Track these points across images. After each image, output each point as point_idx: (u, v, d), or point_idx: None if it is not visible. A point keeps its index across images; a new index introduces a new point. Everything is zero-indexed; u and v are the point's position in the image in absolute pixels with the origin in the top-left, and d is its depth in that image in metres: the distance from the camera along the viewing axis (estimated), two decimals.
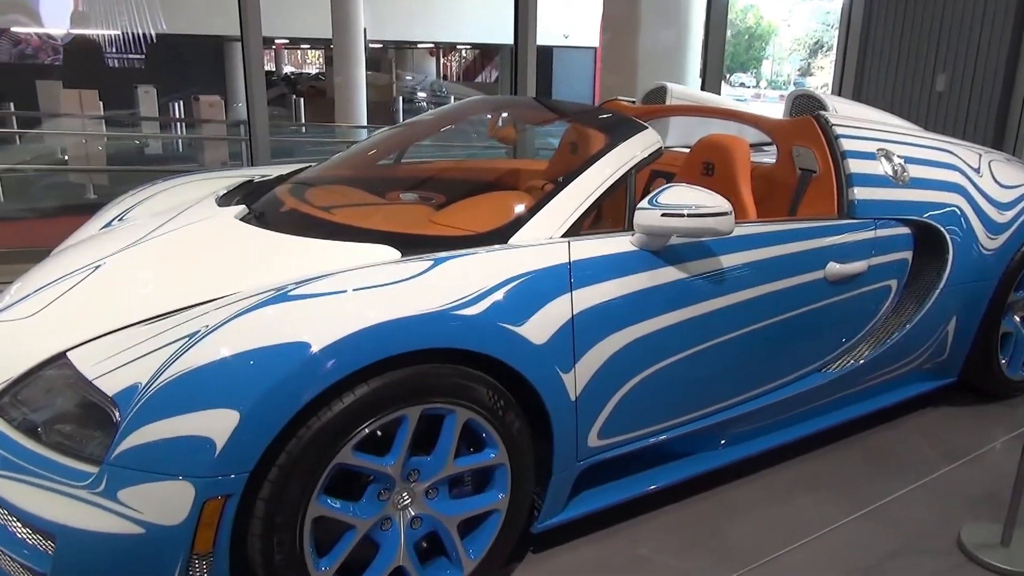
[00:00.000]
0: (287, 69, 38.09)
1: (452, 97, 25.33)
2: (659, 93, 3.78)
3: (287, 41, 30.79)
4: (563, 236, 2.13)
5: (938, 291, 2.89)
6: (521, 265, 1.97)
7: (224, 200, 2.63)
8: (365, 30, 16.78)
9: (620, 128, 2.44)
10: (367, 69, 30.62)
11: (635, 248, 2.16)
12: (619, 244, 2.16)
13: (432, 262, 1.90)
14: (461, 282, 1.87)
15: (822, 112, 2.88)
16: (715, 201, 2.10)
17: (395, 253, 2.01)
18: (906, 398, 3.06)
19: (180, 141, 14.34)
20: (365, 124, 16.31)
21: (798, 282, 2.47)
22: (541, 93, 3.88)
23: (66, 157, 10.33)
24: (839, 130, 2.80)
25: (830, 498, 2.57)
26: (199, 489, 1.57)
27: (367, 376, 1.71)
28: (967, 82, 5.83)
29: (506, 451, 1.95)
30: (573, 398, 2.04)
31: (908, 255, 2.86)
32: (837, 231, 2.61)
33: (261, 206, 2.52)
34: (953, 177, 3.03)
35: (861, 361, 2.80)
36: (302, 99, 21.43)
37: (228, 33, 22.28)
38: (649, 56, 7.96)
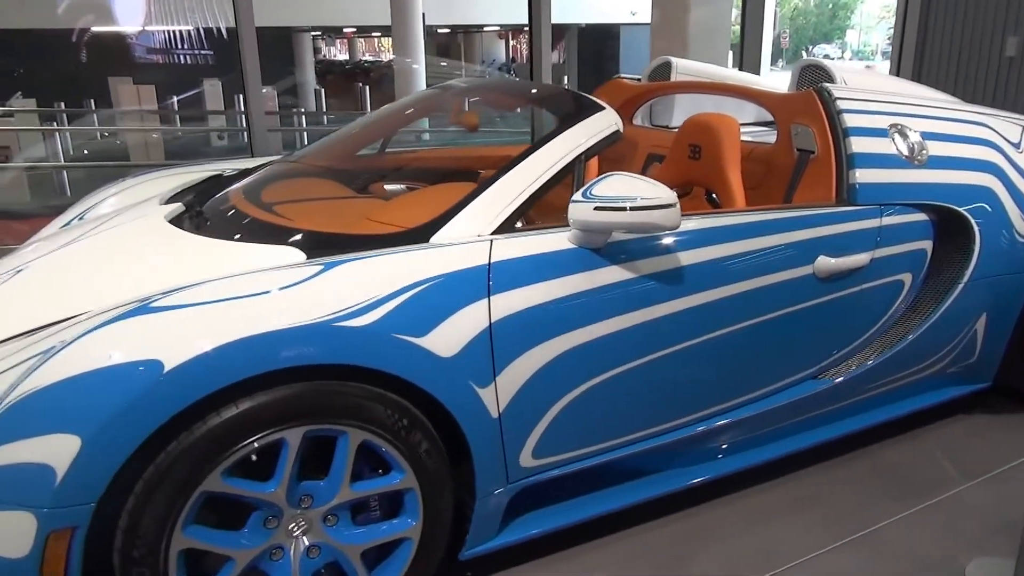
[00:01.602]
0: (364, 57, 38.54)
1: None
2: (664, 68, 3.48)
3: (355, 30, 31.07)
4: (494, 233, 1.92)
5: (961, 285, 2.53)
6: (428, 268, 1.77)
7: (176, 198, 2.52)
8: (424, 15, 16.67)
9: (570, 111, 2.20)
10: (436, 55, 30.69)
11: (572, 246, 1.93)
12: (554, 242, 1.93)
13: (322, 267, 1.72)
14: (351, 289, 1.68)
15: (826, 85, 2.55)
16: (657, 192, 1.84)
17: (299, 255, 1.84)
18: (928, 406, 2.71)
19: (242, 133, 14.61)
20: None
21: (777, 280, 2.18)
22: (608, 71, 3.63)
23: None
24: (843, 104, 2.47)
25: (819, 521, 2.28)
26: (41, 520, 1.45)
27: (238, 396, 1.55)
28: None
29: (414, 474, 1.77)
30: (495, 415, 1.83)
31: (926, 245, 2.51)
32: (829, 220, 2.30)
33: (204, 204, 2.39)
34: (985, 154, 2.65)
35: (869, 366, 2.47)
36: (367, 87, 21.60)
37: (296, 24, 22.72)
38: (700, 31, 7.61)
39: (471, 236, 1.90)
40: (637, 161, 3.25)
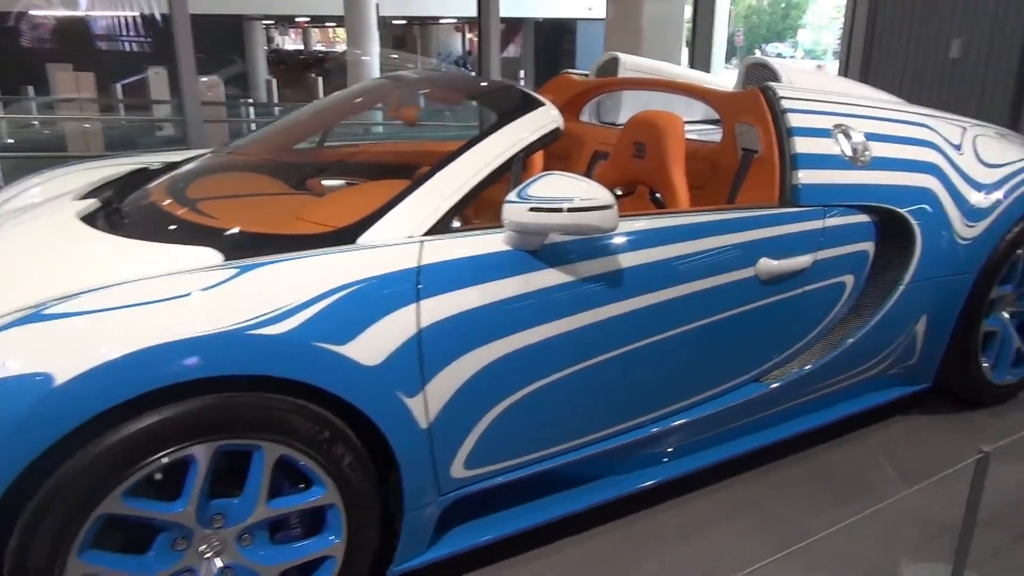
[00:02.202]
0: (318, 47, 37.88)
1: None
2: (612, 64, 3.42)
3: (308, 19, 30.53)
4: (426, 234, 1.83)
5: (902, 287, 2.52)
6: (351, 272, 1.67)
7: (93, 193, 2.37)
8: (377, 6, 16.43)
9: (510, 107, 2.12)
10: (392, 47, 30.29)
11: (507, 248, 1.85)
12: (488, 244, 1.84)
13: (237, 270, 1.61)
14: (267, 294, 1.58)
15: (771, 84, 2.51)
16: (594, 193, 1.77)
17: (216, 257, 1.73)
18: (869, 407, 2.71)
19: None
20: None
21: (719, 283, 2.13)
22: (564, 66, 3.56)
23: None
24: (787, 103, 2.43)
25: (761, 527, 2.25)
26: None
27: (140, 410, 1.44)
28: (983, 48, 5.32)
29: (337, 489, 1.67)
30: (425, 425, 1.75)
31: (868, 247, 2.49)
32: (771, 222, 2.26)
33: (122, 200, 2.25)
34: (926, 155, 2.64)
35: (810, 368, 2.45)
36: (321, 78, 21.22)
37: (247, 12, 22.21)
38: (654, 27, 7.61)
39: (401, 237, 1.80)
40: (583, 158, 3.19)
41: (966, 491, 1.95)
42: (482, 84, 2.56)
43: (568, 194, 1.75)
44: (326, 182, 2.66)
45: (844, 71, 6.18)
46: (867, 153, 2.50)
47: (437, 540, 1.92)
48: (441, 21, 31.29)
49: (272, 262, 1.65)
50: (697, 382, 2.24)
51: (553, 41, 27.28)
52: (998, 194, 2.69)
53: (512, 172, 1.98)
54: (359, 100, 2.84)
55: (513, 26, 32.07)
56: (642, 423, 2.17)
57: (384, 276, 1.68)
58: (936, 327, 2.67)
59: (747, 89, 2.59)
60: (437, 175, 1.91)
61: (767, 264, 2.21)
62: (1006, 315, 2.89)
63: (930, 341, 2.69)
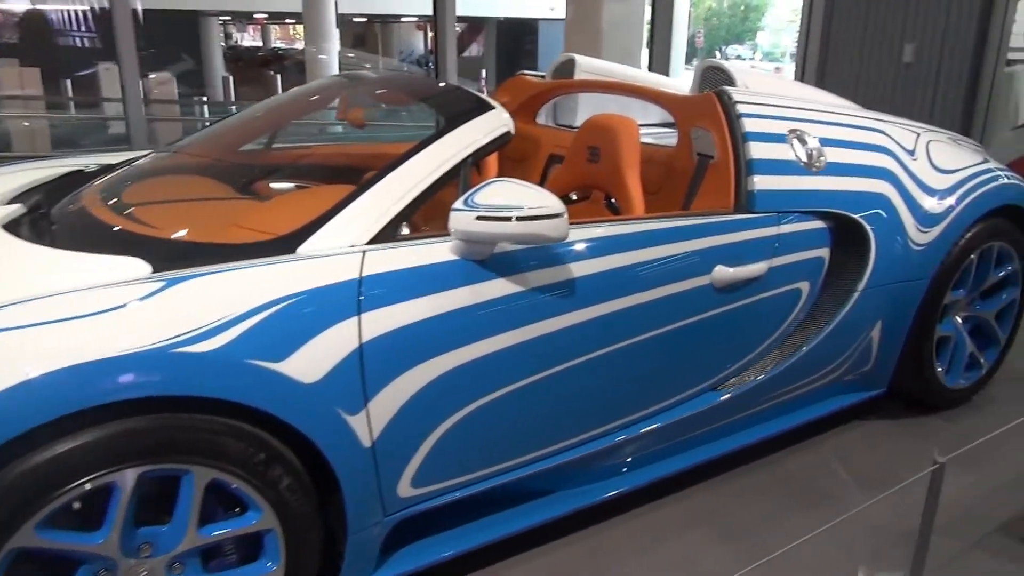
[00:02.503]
0: (277, 44, 37.29)
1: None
2: (568, 66, 3.37)
3: (266, 16, 30.06)
4: (370, 243, 1.75)
5: (858, 293, 2.51)
6: (288, 284, 1.59)
7: (21, 198, 2.24)
8: (336, 3, 16.21)
9: (459, 110, 2.05)
10: (352, 45, 29.95)
11: (454, 257, 1.78)
12: (435, 253, 1.77)
13: (164, 283, 1.52)
14: (197, 309, 1.49)
15: (726, 88, 2.48)
16: (544, 200, 1.71)
17: (144, 268, 1.62)
18: (826, 414, 2.69)
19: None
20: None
21: (674, 291, 2.09)
22: (525, 65, 3.48)
23: None
24: (743, 108, 2.40)
25: (719, 538, 2.21)
26: None
27: (53, 436, 1.34)
28: (936, 53, 5.39)
29: (274, 513, 1.58)
30: (368, 444, 1.67)
31: (824, 253, 2.47)
32: (727, 228, 2.22)
33: (51, 206, 2.13)
34: (880, 161, 2.64)
35: (767, 376, 2.42)
36: (280, 75, 20.88)
37: (203, 8, 21.79)
38: (613, 27, 7.61)
39: (343, 246, 1.72)
40: (539, 161, 3.13)
41: (922, 500, 1.94)
42: (431, 86, 2.48)
43: (516, 202, 1.69)
44: (273, 186, 2.56)
45: (800, 75, 6.22)
46: (822, 159, 2.48)
47: (384, 561, 1.84)
48: (403, 20, 31.06)
49: (203, 274, 1.55)
50: (653, 392, 2.19)
51: (515, 41, 27.25)
52: (951, 199, 2.69)
53: (462, 177, 1.91)
54: (306, 101, 2.75)
55: (475, 25, 31.98)
56: (598, 435, 2.11)
57: (323, 288, 1.60)
58: (891, 333, 2.67)
59: (702, 93, 2.56)
60: (382, 181, 1.84)
61: (723, 272, 2.17)
62: (959, 320, 2.90)
63: (885, 347, 2.69)
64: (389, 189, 1.82)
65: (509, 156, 3.26)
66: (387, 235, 1.78)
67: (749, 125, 2.37)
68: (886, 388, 2.82)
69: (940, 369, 2.85)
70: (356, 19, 28.67)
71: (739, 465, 2.56)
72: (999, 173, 2.87)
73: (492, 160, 3.07)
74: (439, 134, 1.95)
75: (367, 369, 1.63)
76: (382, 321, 1.64)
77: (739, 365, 2.38)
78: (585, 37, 7.61)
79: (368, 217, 1.78)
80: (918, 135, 2.86)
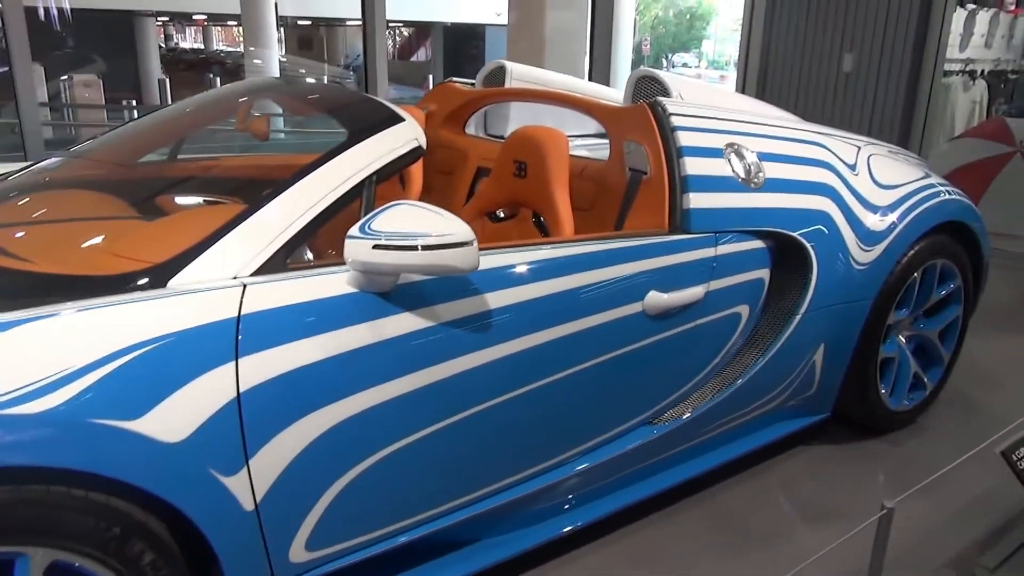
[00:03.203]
0: (219, 46, 36.36)
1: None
2: (498, 73, 3.20)
3: (205, 17, 29.31)
4: (256, 273, 1.53)
5: (799, 316, 2.38)
6: (149, 326, 1.36)
7: None
8: (277, 5, 15.80)
9: (364, 122, 1.84)
10: (298, 48, 29.35)
11: (352, 290, 1.57)
12: (329, 285, 1.56)
13: None
14: (31, 359, 1.25)
15: (660, 99, 2.32)
16: (451, 227, 1.52)
17: None
18: (769, 442, 2.56)
19: (70, 127, 13.25)
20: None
21: (602, 320, 1.91)
22: (472, 71, 3.26)
23: None
24: (677, 120, 2.25)
25: None
26: None
27: None
28: (875, 62, 5.38)
29: None
30: (251, 507, 1.45)
31: (763, 274, 2.33)
32: (661, 250, 2.06)
33: None
34: (821, 176, 2.51)
35: (706, 406, 2.27)
36: (219, 79, 20.33)
37: (138, 8, 21.07)
38: (557, 34, 7.48)
39: (224, 278, 1.50)
40: (467, 174, 2.94)
41: (871, 540, 1.80)
42: (336, 96, 2.27)
43: (420, 229, 1.50)
44: (166, 203, 2.31)
45: (741, 84, 6.17)
46: (760, 174, 2.34)
47: None
48: (348, 23, 30.60)
49: (41, 317, 1.32)
50: (581, 431, 2.02)
51: (462, 46, 27.07)
52: (893, 216, 2.59)
53: (364, 197, 1.71)
54: (211, 109, 2.50)
55: (422, 31, 31.70)
56: (524, 479, 1.93)
57: (192, 330, 1.38)
58: (834, 355, 2.55)
59: (635, 104, 2.40)
60: (271, 203, 1.62)
61: (656, 298, 2.01)
62: (902, 339, 2.80)
63: (828, 370, 2.56)
64: (279, 212, 1.61)
65: (437, 168, 3.06)
66: (276, 264, 1.56)
67: (684, 139, 2.22)
68: (830, 412, 2.70)
69: (884, 391, 2.74)
70: (301, 22, 28.12)
71: (680, 499, 2.40)
72: (941, 188, 2.78)
73: (416, 173, 2.87)
74: (339, 149, 1.74)
75: (247, 423, 1.41)
76: (264, 366, 1.43)
77: (676, 396, 2.22)
78: (528, 44, 7.47)
79: (253, 244, 1.56)
80: (859, 148, 2.76)
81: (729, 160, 2.30)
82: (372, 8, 4.10)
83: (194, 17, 29.34)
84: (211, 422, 1.37)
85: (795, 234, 2.35)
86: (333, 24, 30.29)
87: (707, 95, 2.64)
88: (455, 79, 3.27)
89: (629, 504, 2.20)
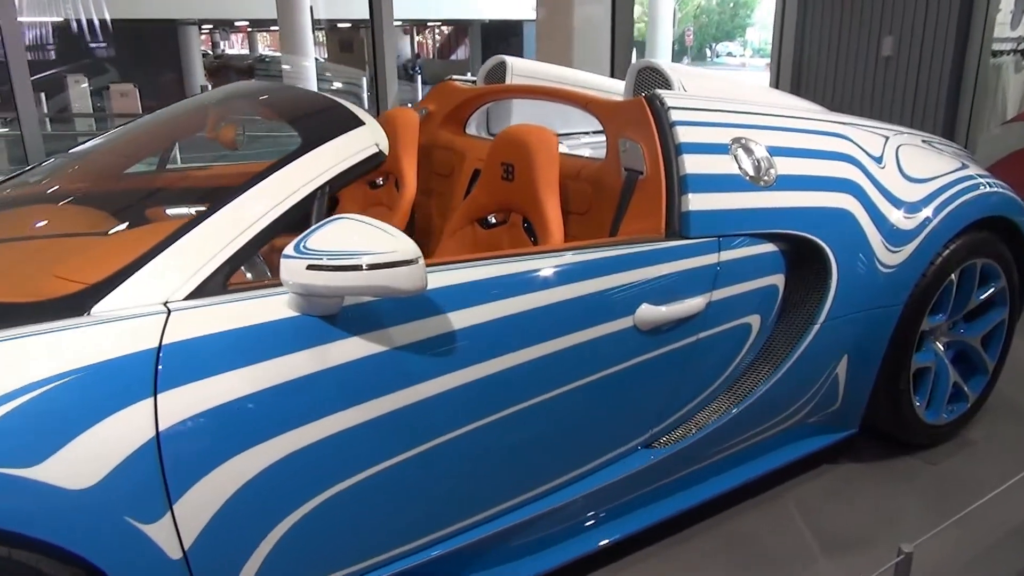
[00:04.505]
0: (265, 51, 36.87)
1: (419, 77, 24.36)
2: (499, 69, 3.03)
3: (248, 24, 29.73)
4: (191, 296, 1.40)
5: (817, 325, 2.16)
6: (54, 360, 1.24)
7: None
8: (312, 8, 15.85)
9: (319, 129, 1.70)
10: (340, 51, 29.54)
11: (293, 313, 1.43)
12: (269, 309, 1.42)
13: None
14: None
15: (659, 92, 2.13)
16: (393, 244, 1.36)
17: None
18: (788, 463, 2.34)
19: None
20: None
21: (586, 339, 1.74)
22: None
23: None
24: (677, 115, 2.05)
25: None
26: None
27: None
28: (916, 45, 5.05)
29: None
30: (178, 555, 1.32)
31: (777, 280, 2.12)
32: (654, 259, 1.87)
33: None
34: (842, 171, 2.29)
35: (714, 425, 2.08)
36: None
37: (181, 16, 21.45)
38: (585, 29, 7.30)
39: (153, 303, 1.37)
40: (463, 177, 2.78)
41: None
42: (294, 99, 2.13)
43: (358, 246, 1.34)
44: (145, 215, 2.20)
45: (776, 71, 5.88)
46: (771, 171, 2.13)
47: None
48: None
49: None
50: (566, 458, 1.85)
51: (501, 43, 26.92)
52: (924, 213, 2.34)
53: (315, 210, 1.57)
54: (181, 120, 2.38)
55: (461, 28, 31.67)
56: (500, 512, 1.76)
57: (101, 365, 1.25)
58: (859, 367, 2.32)
59: (633, 99, 2.21)
60: (209, 219, 1.49)
61: (648, 311, 1.82)
62: (939, 347, 2.56)
63: (853, 383, 2.34)
64: (217, 229, 1.47)
65: (436, 171, 2.92)
66: (214, 287, 1.43)
67: (684, 135, 2.02)
68: (857, 428, 2.48)
69: (919, 404, 2.50)
70: (340, 24, 28.34)
71: (691, 524, 2.22)
72: (980, 180, 2.52)
73: (410, 175, 2.73)
74: (290, 157, 1.60)
75: (168, 464, 1.28)
76: (188, 401, 1.30)
77: (678, 416, 2.03)
78: (556, 39, 7.30)
79: (189, 265, 1.43)
80: (886, 139, 2.51)
81: (735, 156, 2.09)
82: (379, 8, 3.97)
83: (236, 24, 29.81)
84: (125, 465, 1.24)
85: (811, 235, 2.14)
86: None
87: (715, 86, 2.43)
88: (455, 77, 3.11)
89: (631, 534, 2.02)
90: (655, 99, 2.09)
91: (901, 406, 2.45)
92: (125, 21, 18.39)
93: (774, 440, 2.30)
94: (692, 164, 1.99)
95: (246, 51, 35.48)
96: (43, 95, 14.65)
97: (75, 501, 1.20)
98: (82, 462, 1.21)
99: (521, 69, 2.98)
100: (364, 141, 1.67)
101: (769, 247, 2.08)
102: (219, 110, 2.23)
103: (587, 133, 3.06)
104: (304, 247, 1.35)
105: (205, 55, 27.45)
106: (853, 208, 2.24)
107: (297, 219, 1.54)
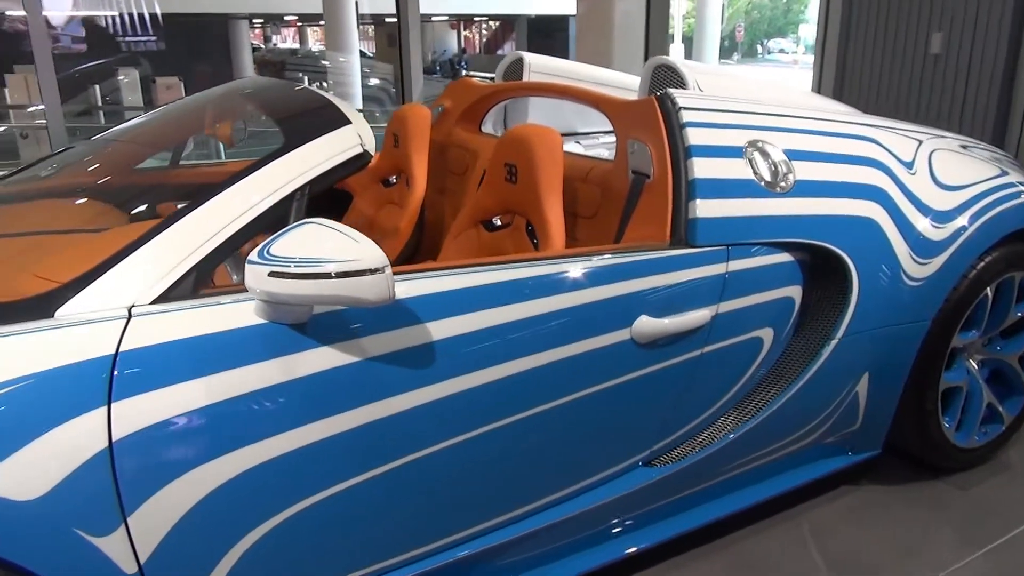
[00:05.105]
0: (315, 47, 37.33)
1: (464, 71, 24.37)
2: (517, 66, 2.95)
3: (297, 18, 30.10)
4: (157, 300, 1.35)
5: (835, 341, 2.04)
6: (1, 367, 1.20)
7: None
8: (357, 3, 15.93)
9: (299, 126, 1.65)
10: (388, 46, 29.73)
11: (262, 321, 1.37)
12: (236, 316, 1.37)
13: None
14: None
15: (671, 91, 2.02)
16: (358, 252, 1.29)
17: None
18: (802, 484, 2.22)
19: None
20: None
21: (576, 352, 1.65)
22: None
23: None
24: (688, 116, 1.94)
25: None
26: None
27: None
28: (967, 42, 4.81)
29: None
30: (132, 569, 1.28)
31: (792, 292, 2.00)
32: (655, 268, 1.77)
33: None
34: (868, 176, 2.15)
35: (721, 443, 1.97)
36: (306, 78, 20.75)
37: (231, 11, 21.81)
38: (626, 23, 7.17)
39: (118, 307, 1.33)
40: (476, 176, 2.70)
41: None
42: (279, 95, 2.07)
43: (322, 254, 1.28)
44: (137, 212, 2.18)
45: (819, 69, 5.68)
46: (789, 176, 2.01)
47: None
48: (434, 19, 30.83)
49: None
50: (552, 477, 1.76)
51: (546, 37, 26.79)
52: (958, 222, 2.19)
53: (293, 212, 1.51)
54: (191, 113, 2.35)
55: (507, 24, 31.61)
56: (481, 532, 1.69)
57: (54, 371, 1.21)
58: (881, 385, 2.19)
59: (643, 98, 2.11)
60: (183, 220, 1.44)
61: (647, 323, 1.72)
62: (973, 365, 2.40)
63: (874, 402, 2.20)
64: (188, 231, 1.42)
65: (450, 170, 2.85)
66: (183, 291, 1.38)
67: (694, 136, 1.91)
68: (880, 449, 2.34)
69: (947, 425, 2.35)
70: (389, 19, 28.53)
71: (696, 546, 2.11)
72: (1022, 188, 2.36)
73: (420, 173, 2.67)
74: (269, 157, 1.55)
75: (122, 475, 1.23)
76: (144, 410, 1.25)
77: (681, 434, 1.93)
78: (596, 35, 7.19)
79: (157, 267, 1.38)
80: (919, 143, 2.36)
81: (751, 160, 1.98)
82: (405, 4, 3.92)
83: (286, 18, 30.22)
84: (76, 476, 1.20)
85: (831, 245, 2.01)
86: (420, 20, 30.56)
87: (733, 85, 2.31)
88: (472, 74, 3.04)
89: (629, 555, 1.93)
90: (666, 99, 1.98)
91: (928, 427, 2.31)
92: (177, 15, 18.75)
93: (788, 460, 2.18)
94: (702, 168, 1.89)
95: (296, 45, 35.99)
96: (97, 87, 15.05)
97: (22, 512, 1.16)
98: (31, 472, 1.17)
99: (539, 66, 2.89)
100: (348, 141, 1.60)
101: (784, 257, 1.97)
102: (216, 107, 2.19)
103: (605, 132, 2.96)
104: (268, 253, 1.29)
105: (256, 49, 27.91)
106: (878, 216, 2.10)
107: (275, 221, 1.48)
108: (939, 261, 2.16)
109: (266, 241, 1.32)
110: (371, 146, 1.63)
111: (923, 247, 2.14)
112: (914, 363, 2.19)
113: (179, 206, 1.48)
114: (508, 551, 1.75)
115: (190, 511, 1.30)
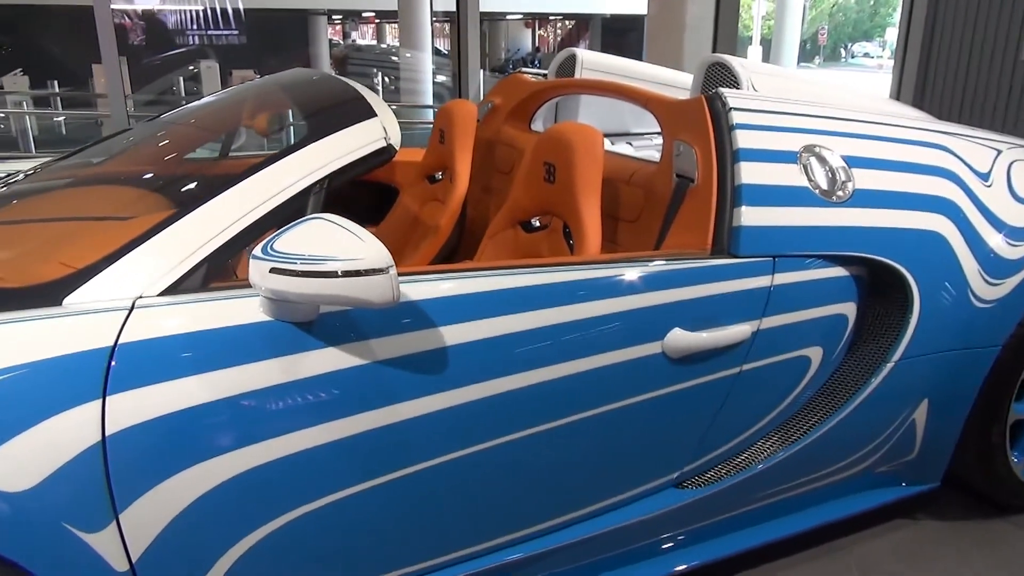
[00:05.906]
0: (393, 42, 37.85)
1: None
2: (569, 62, 2.86)
3: (374, 15, 30.56)
4: (165, 292, 1.32)
5: (891, 364, 1.89)
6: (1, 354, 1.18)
7: None
8: (432, 1, 16.03)
9: (324, 118, 1.60)
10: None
11: (267, 318, 1.33)
12: (240, 312, 1.33)
13: None
14: None
15: (722, 90, 1.91)
16: (363, 251, 1.23)
17: None
18: (850, 515, 2.07)
19: None
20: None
21: (602, 364, 1.55)
22: None
23: None
24: (739, 117, 1.82)
25: None
26: None
27: None
28: None
29: None
30: (123, 567, 1.25)
31: (846, 309, 1.86)
32: (693, 278, 1.66)
33: None
34: (936, 187, 1.99)
35: (762, 467, 1.85)
36: (380, 72, 21.02)
37: (311, 7, 22.30)
38: (697, 24, 7.00)
39: (125, 298, 1.31)
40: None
41: None
42: (305, 87, 2.03)
43: (326, 251, 1.22)
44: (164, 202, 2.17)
45: (899, 75, 5.39)
46: (848, 184, 1.87)
47: None
48: (508, 17, 30.86)
49: None
50: (573, 495, 1.67)
51: (620, 37, 26.50)
52: None
53: (311, 206, 1.46)
54: (229, 106, 2.34)
55: (581, 23, 31.39)
56: (493, 548, 1.61)
57: (49, 362, 1.19)
58: (942, 414, 2.02)
59: (693, 97, 1.99)
60: (197, 210, 1.41)
61: (680, 337, 1.62)
62: None
63: (934, 431, 2.04)
64: (202, 223, 1.39)
65: (498, 168, 2.78)
66: (193, 283, 1.35)
67: (744, 139, 1.79)
68: (939, 482, 2.17)
69: (1017, 460, 2.16)
70: None
71: (732, 573, 1.99)
72: None
73: (463, 169, 2.61)
74: (287, 151, 1.51)
75: (114, 470, 1.20)
76: (139, 405, 1.22)
77: (716, 455, 1.81)
78: (667, 37, 7.05)
79: (167, 258, 1.35)
80: (998, 153, 2.18)
81: (806, 166, 1.84)
82: (465, 2, 3.87)
83: (363, 15, 30.73)
84: (67, 469, 1.17)
85: (890, 260, 1.86)
86: (495, 18, 30.66)
87: (792, 87, 2.16)
88: (525, 70, 2.96)
89: None
90: (717, 99, 1.87)
91: (993, 462, 2.13)
92: (258, 10, 19.28)
93: (836, 488, 2.04)
94: (750, 173, 1.76)
95: (374, 42, 36.59)
96: (181, 79, 15.58)
97: (11, 503, 1.14)
98: (21, 463, 1.15)
99: (591, 62, 2.80)
100: (372, 134, 1.55)
101: (839, 271, 1.83)
102: (255, 99, 2.17)
103: (658, 134, 2.84)
104: (271, 249, 1.24)
105: (335, 45, 28.47)
106: (946, 231, 1.94)
107: (291, 214, 1.44)
108: (1013, 282, 1.98)
109: (271, 236, 1.27)
110: (396, 140, 1.58)
111: (995, 266, 1.96)
112: (981, 391, 2.02)
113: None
114: (522, 570, 1.66)
115: (184, 511, 1.26)
